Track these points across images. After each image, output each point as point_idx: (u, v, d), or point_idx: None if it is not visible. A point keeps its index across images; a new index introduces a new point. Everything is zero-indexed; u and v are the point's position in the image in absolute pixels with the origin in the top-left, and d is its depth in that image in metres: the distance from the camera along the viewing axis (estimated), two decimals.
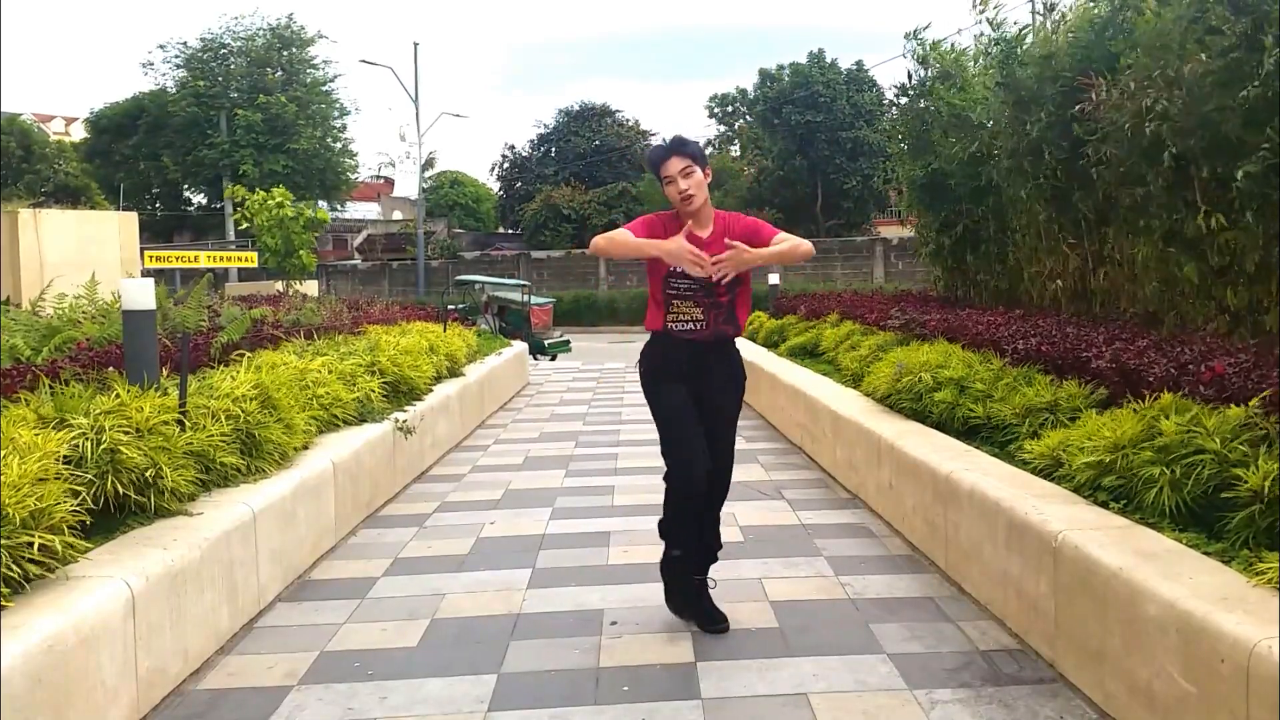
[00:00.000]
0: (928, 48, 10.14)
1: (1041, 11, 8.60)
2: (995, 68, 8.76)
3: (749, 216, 4.12)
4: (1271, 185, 5.08)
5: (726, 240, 3.82)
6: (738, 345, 4.17)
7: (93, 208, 33.17)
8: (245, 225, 21.91)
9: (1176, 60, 5.73)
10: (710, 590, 4.17)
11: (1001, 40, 8.78)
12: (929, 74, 10.15)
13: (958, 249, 9.90)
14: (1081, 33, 7.45)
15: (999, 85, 8.40)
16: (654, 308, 4.04)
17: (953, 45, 10.19)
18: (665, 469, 4.08)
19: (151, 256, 21.21)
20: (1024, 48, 8.55)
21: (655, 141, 47.07)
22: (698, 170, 3.91)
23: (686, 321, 3.94)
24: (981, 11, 8.82)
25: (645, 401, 4.14)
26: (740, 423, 4.30)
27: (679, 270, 3.89)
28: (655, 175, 4.00)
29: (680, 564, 4.12)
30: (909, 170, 10.34)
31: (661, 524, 4.17)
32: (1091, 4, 7.91)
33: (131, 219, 17.28)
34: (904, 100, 10.64)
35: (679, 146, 3.96)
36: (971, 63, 9.76)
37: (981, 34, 9.03)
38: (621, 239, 3.96)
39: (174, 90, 42.25)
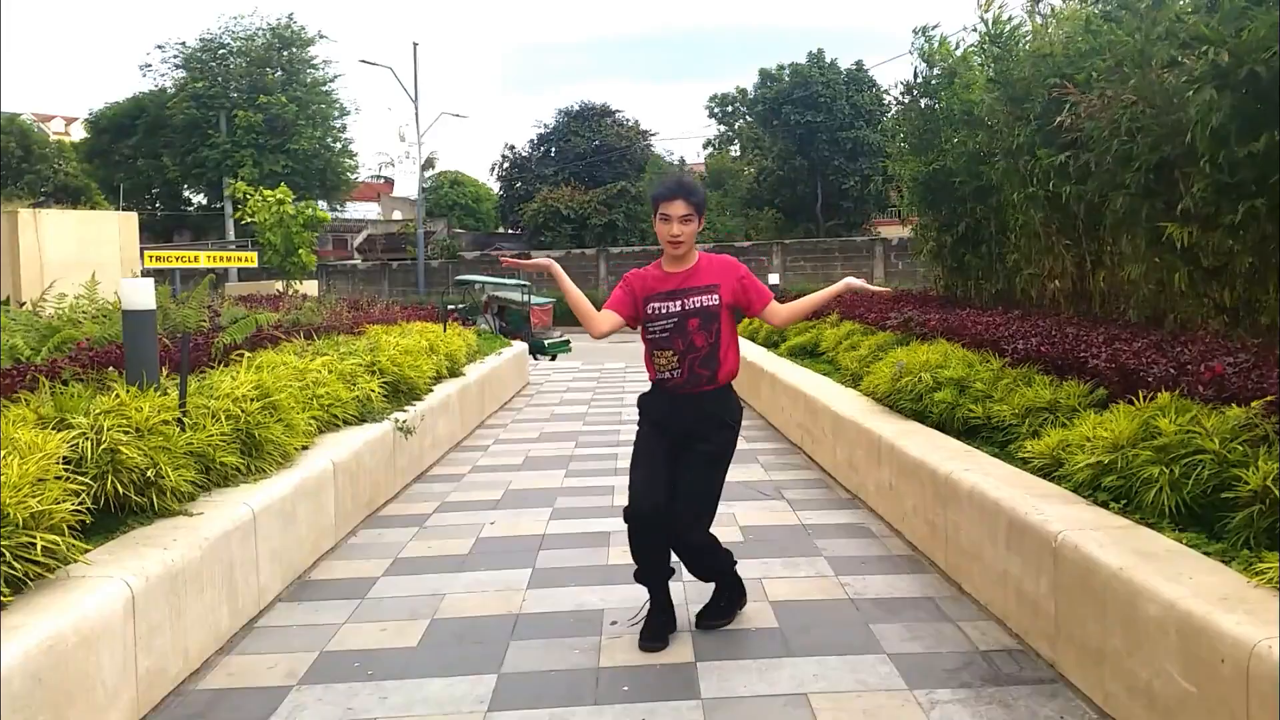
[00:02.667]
0: (935, 44, 10.12)
1: (1028, 10, 8.58)
2: (991, 64, 8.75)
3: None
4: (1224, 201, 5.11)
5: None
6: (730, 387, 4.04)
7: (93, 208, 33.12)
8: (248, 221, 21.90)
9: (1141, 71, 5.75)
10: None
11: (995, 38, 8.76)
12: (935, 72, 10.14)
13: (958, 248, 9.89)
14: (1070, 37, 7.46)
15: (991, 83, 8.40)
16: (646, 358, 4.09)
17: (958, 43, 10.17)
18: None
19: (151, 256, 21.15)
20: (1018, 47, 8.53)
21: (655, 141, 46.93)
22: (695, 221, 3.94)
23: (666, 370, 3.97)
24: (986, 10, 8.79)
25: None
26: (741, 422, 4.27)
27: (656, 311, 3.93)
28: (654, 207, 3.99)
29: (656, 620, 4.00)
30: (911, 168, 10.32)
31: (636, 573, 4.08)
32: (1080, 5, 7.91)
33: (131, 219, 17.26)
34: (908, 98, 10.61)
35: (688, 192, 3.94)
36: (975, 59, 9.75)
37: (977, 29, 8.99)
38: (582, 311, 4.15)
39: (173, 91, 42.23)
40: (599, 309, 4.11)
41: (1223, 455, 3.51)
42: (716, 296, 3.94)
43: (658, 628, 3.99)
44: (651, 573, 4.01)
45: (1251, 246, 5.23)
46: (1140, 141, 5.81)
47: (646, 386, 4.14)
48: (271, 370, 5.92)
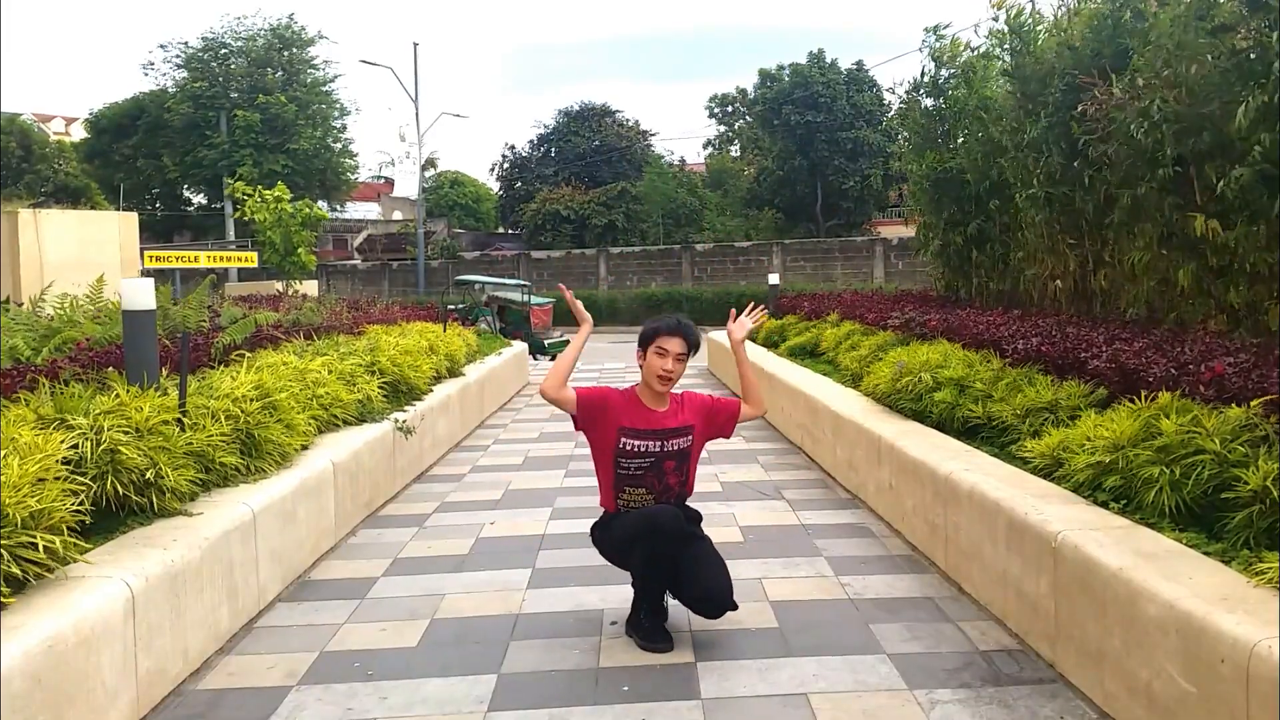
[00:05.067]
0: (947, 44, 10.10)
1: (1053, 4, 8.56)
2: (1007, 56, 8.71)
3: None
4: (1263, 192, 5.09)
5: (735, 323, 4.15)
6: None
7: (93, 208, 33.14)
8: (248, 219, 21.94)
9: (1177, 60, 5.73)
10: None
11: (1015, 29, 8.71)
12: (946, 72, 10.11)
13: (965, 248, 9.87)
14: (1091, 29, 7.43)
15: (1005, 75, 8.37)
16: (604, 488, 4.09)
17: (966, 42, 10.16)
18: (632, 579, 4.05)
19: (151, 256, 21.17)
20: (1036, 40, 8.48)
21: (655, 141, 46.98)
22: (684, 364, 4.01)
23: (637, 504, 4.00)
24: (999, 7, 8.76)
25: (601, 555, 4.15)
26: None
27: (632, 448, 3.96)
28: (649, 340, 4.00)
29: (656, 621, 4.00)
30: (919, 165, 10.29)
31: (637, 575, 4.04)
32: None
33: (131, 219, 17.29)
34: (916, 96, 10.59)
35: (687, 333, 4.01)
36: (982, 59, 9.72)
37: (994, 24, 8.95)
38: (559, 366, 3.98)
39: (174, 91, 42.22)
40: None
41: (1223, 455, 3.51)
42: (691, 437, 4.05)
43: (660, 629, 3.99)
44: (658, 579, 4.00)
45: (1264, 244, 5.21)
46: (1166, 131, 5.78)
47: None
48: (271, 370, 5.92)
